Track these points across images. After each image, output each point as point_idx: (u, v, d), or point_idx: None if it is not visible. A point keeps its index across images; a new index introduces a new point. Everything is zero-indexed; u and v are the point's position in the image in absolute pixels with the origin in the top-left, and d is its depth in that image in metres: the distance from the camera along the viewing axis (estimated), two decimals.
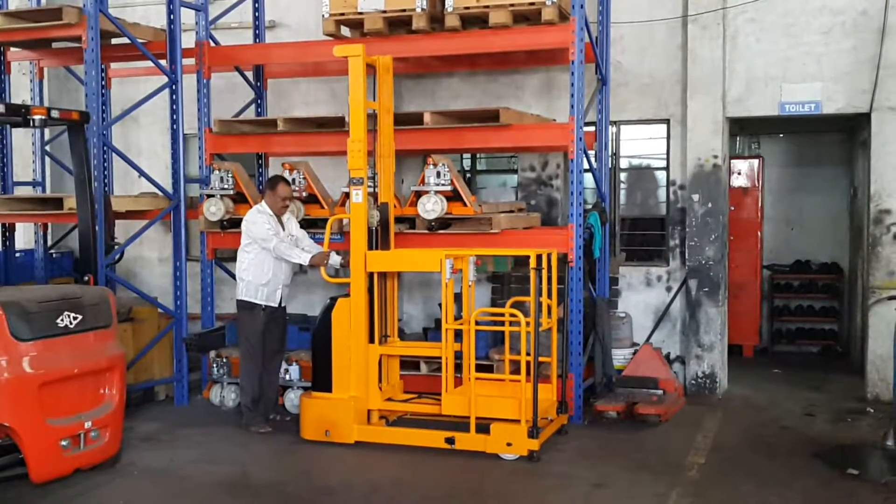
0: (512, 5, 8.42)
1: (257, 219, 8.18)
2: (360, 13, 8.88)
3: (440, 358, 7.64)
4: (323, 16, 9.07)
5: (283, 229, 8.28)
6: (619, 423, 8.35)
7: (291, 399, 8.79)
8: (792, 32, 9.31)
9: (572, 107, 8.23)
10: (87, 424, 6.61)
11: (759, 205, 11.68)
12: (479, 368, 7.87)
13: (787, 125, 11.73)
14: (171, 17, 9.10)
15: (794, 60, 9.31)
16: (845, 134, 11.85)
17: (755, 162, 11.74)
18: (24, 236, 11.10)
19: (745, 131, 12.26)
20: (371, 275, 7.90)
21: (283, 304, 8.40)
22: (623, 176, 10.40)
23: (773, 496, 6.45)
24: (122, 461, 7.16)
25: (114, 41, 9.57)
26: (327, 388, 7.84)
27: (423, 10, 8.66)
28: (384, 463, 7.27)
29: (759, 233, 11.67)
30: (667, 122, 9.91)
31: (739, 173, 11.63)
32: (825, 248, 12.22)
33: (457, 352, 7.72)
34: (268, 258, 8.12)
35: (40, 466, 6.30)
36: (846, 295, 11.87)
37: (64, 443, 6.44)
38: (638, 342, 9.66)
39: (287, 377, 8.88)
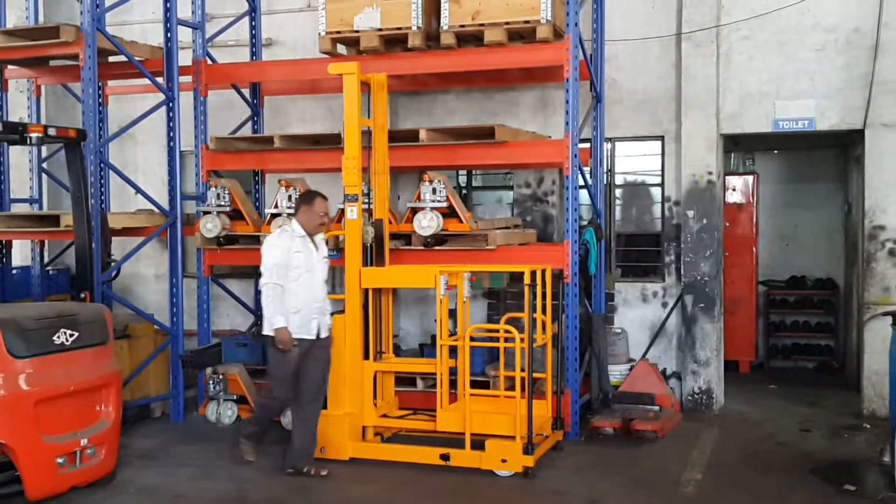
0: (507, 23, 8.47)
1: (273, 243, 7.30)
2: (356, 31, 8.93)
3: (435, 374, 7.64)
4: (319, 34, 9.12)
5: (317, 249, 7.45)
6: (615, 439, 8.34)
7: (287, 416, 8.76)
8: (785, 50, 9.37)
9: (567, 124, 8.27)
10: (83, 442, 6.61)
11: (754, 221, 11.71)
12: (475, 385, 7.88)
13: (782, 141, 11.77)
14: (168, 34, 9.15)
15: (788, 77, 9.37)
16: (839, 150, 11.90)
17: (749, 178, 11.78)
18: (21, 253, 11.11)
19: (740, 148, 12.30)
20: (366, 291, 7.92)
21: (321, 336, 7.44)
22: (618, 192, 10.42)
23: None
24: (118, 479, 7.15)
25: (111, 59, 9.61)
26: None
27: (418, 28, 8.72)
28: (379, 479, 7.25)
29: (753, 249, 11.70)
30: (661, 138, 9.95)
31: (734, 189, 11.66)
32: (820, 264, 12.24)
33: (452, 368, 7.73)
34: (293, 281, 7.24)
35: (36, 484, 6.29)
36: (841, 310, 11.88)
37: (60, 460, 6.43)
38: (634, 358, 9.67)
39: None
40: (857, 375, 9.68)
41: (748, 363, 11.69)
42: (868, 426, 8.75)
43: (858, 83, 9.13)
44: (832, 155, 12.07)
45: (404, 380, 8.71)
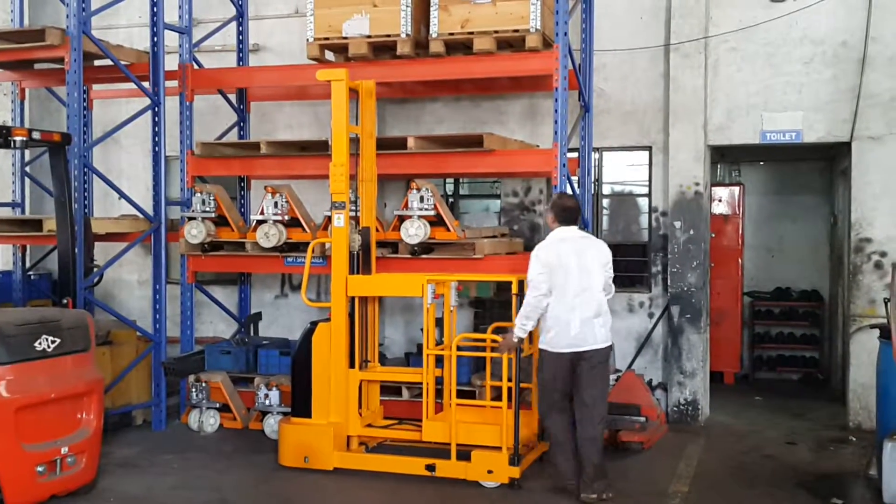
0: (496, 32, 8.44)
1: None
2: (345, 38, 8.88)
3: (421, 383, 7.59)
4: (307, 40, 9.06)
5: None
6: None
7: (271, 425, 8.70)
8: (773, 62, 9.40)
9: (556, 133, 8.25)
10: (64, 450, 6.51)
11: (740, 232, 11.73)
12: (461, 394, 7.82)
13: (768, 153, 11.80)
14: (155, 39, 9.08)
15: (775, 89, 9.40)
16: (825, 162, 11.95)
17: (736, 189, 11.80)
18: (2, 258, 11.00)
19: (726, 159, 12.33)
20: (352, 299, 7.86)
21: None
22: (605, 202, 10.42)
23: None
24: (99, 487, 7.05)
25: (96, 62, 9.54)
26: (307, 413, 7.77)
27: (407, 35, 8.68)
28: (364, 490, 7.19)
29: (739, 260, 11.71)
30: (649, 149, 9.95)
31: (720, 200, 11.67)
32: (805, 276, 12.27)
33: (438, 377, 7.67)
34: None
35: (15, 492, 6.19)
36: (826, 322, 11.91)
37: (40, 468, 6.33)
38: (620, 369, 9.62)
39: (266, 402, 8.81)
40: (843, 388, 9.69)
41: (733, 374, 11.69)
42: (854, 439, 8.76)
43: (846, 96, 9.17)
44: (818, 167, 12.12)
45: (390, 389, 8.66)
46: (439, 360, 7.68)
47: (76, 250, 7.86)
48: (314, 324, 7.91)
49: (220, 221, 9.28)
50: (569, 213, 7.14)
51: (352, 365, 7.82)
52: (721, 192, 11.72)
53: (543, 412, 7.20)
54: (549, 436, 7.25)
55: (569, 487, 6.97)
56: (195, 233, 9.13)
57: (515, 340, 7.09)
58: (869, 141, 9.11)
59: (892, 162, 9.05)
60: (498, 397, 7.55)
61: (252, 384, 9.04)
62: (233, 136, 10.39)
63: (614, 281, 10.17)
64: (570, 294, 6.90)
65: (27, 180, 10.90)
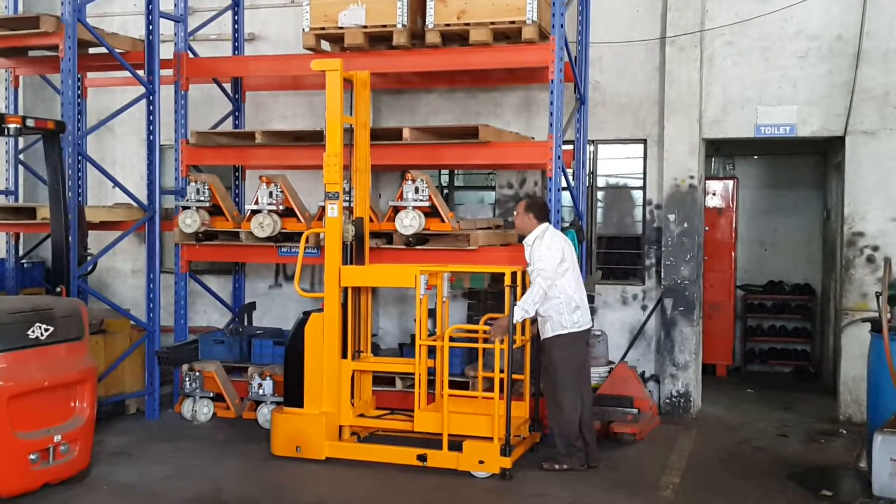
0: (492, 23, 8.44)
1: None
2: (341, 28, 8.87)
3: (414, 374, 7.61)
4: (303, 30, 9.05)
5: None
6: None
7: (264, 414, 8.72)
8: (768, 56, 9.42)
9: (551, 125, 8.25)
10: (57, 438, 6.52)
11: (734, 225, 11.75)
12: (454, 385, 7.85)
13: (762, 147, 11.82)
14: (150, 27, 9.04)
15: (770, 83, 9.41)
16: (819, 156, 11.97)
17: (730, 183, 11.82)
18: None
19: (720, 152, 12.34)
20: (345, 289, 7.87)
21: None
22: (600, 195, 10.44)
23: None
24: (92, 476, 7.06)
25: (91, 50, 9.51)
26: (299, 403, 7.78)
27: (403, 26, 8.67)
28: (356, 480, 7.21)
29: (732, 253, 11.74)
30: (644, 141, 9.97)
31: (714, 194, 11.70)
32: (798, 270, 12.30)
33: (431, 368, 7.69)
34: None
35: (8, 480, 6.21)
36: (818, 316, 11.95)
37: (33, 457, 6.34)
38: (613, 360, 9.66)
39: (260, 392, 8.82)
40: (834, 381, 9.74)
41: (725, 367, 11.73)
42: (844, 432, 8.80)
43: (840, 90, 9.19)
44: (812, 161, 12.14)
45: (382, 379, 8.67)
46: (432, 351, 7.69)
47: (70, 238, 7.86)
48: (307, 314, 7.92)
49: (215, 211, 9.28)
50: (547, 211, 7.82)
51: (344, 355, 7.83)
52: (715, 185, 11.74)
53: (565, 398, 7.37)
54: (563, 423, 7.38)
55: (579, 470, 7.37)
56: (189, 222, 9.13)
57: (507, 324, 7.28)
58: (863, 135, 9.13)
59: (886, 156, 9.07)
60: (490, 388, 7.58)
61: (246, 374, 9.06)
62: (227, 126, 10.37)
63: (608, 274, 10.37)
64: (578, 274, 7.68)
65: (21, 168, 10.89)
